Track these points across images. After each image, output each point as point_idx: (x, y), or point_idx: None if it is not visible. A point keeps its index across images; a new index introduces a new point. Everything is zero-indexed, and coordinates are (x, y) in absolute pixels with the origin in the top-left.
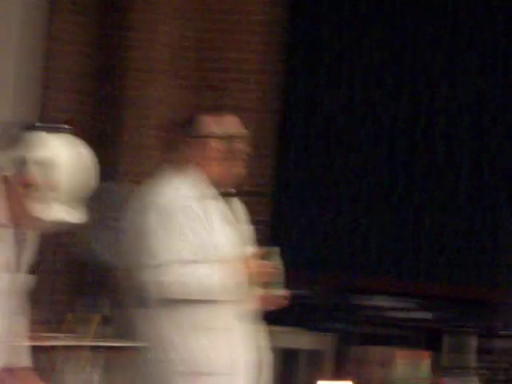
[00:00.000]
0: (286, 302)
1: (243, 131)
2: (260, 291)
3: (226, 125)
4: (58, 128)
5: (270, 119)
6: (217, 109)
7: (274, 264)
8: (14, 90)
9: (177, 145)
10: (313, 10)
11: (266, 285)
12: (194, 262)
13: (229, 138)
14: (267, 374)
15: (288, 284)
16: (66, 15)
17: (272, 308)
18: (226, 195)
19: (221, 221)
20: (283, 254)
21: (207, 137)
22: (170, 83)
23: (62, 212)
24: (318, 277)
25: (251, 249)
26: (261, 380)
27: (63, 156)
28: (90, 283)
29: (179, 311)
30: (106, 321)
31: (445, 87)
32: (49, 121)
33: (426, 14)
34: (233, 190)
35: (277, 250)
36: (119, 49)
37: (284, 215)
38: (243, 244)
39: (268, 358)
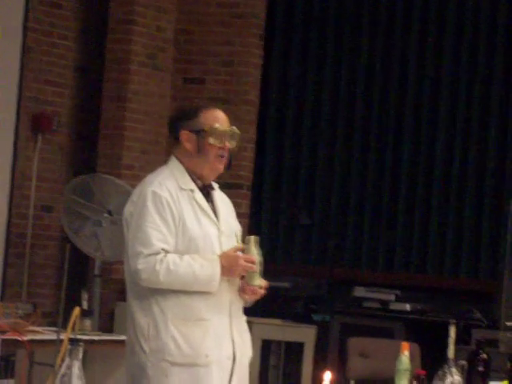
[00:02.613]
0: (263, 292)
1: (221, 125)
2: (238, 282)
3: (201, 119)
4: None
5: (249, 111)
6: (197, 102)
7: (254, 253)
8: None
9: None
10: (292, 2)
11: (244, 275)
12: (166, 251)
13: (199, 132)
14: (245, 366)
15: (268, 276)
16: (42, 7)
17: (250, 299)
18: (206, 188)
19: (197, 213)
20: (262, 246)
21: (178, 129)
22: (150, 76)
23: None
24: (298, 268)
25: (231, 241)
26: (237, 372)
27: None
28: (69, 276)
29: (152, 302)
30: (84, 314)
31: (419, 87)
32: (27, 113)
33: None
34: (213, 184)
35: (256, 238)
36: (98, 41)
37: (263, 207)
38: (223, 237)
39: (247, 351)
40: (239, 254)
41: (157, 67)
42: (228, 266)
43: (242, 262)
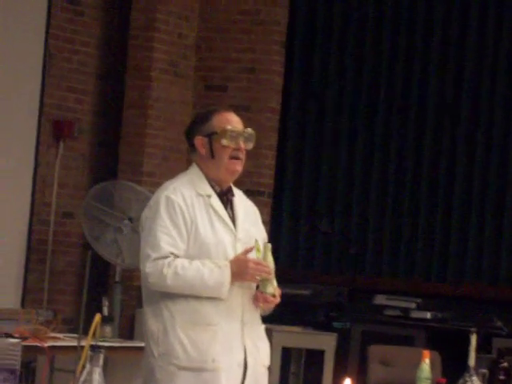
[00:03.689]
0: (277, 300)
1: (233, 126)
2: (253, 289)
3: (213, 122)
4: None
5: (270, 119)
6: (216, 108)
7: (267, 260)
8: (14, 89)
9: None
10: (313, 10)
11: (257, 282)
12: (175, 255)
13: (211, 135)
14: (261, 374)
15: (289, 283)
16: (65, 14)
17: (265, 307)
18: (226, 195)
19: (212, 219)
20: (283, 253)
21: (193, 135)
22: (171, 83)
23: None
24: (319, 276)
25: (245, 246)
26: (249, 380)
27: None
28: (90, 282)
29: (162, 306)
30: (105, 320)
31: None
32: (48, 120)
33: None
34: (235, 190)
35: (269, 246)
36: (120, 48)
37: (284, 215)
38: (239, 244)
39: (262, 359)
40: (249, 257)
41: (178, 74)
42: (238, 270)
43: (252, 265)
